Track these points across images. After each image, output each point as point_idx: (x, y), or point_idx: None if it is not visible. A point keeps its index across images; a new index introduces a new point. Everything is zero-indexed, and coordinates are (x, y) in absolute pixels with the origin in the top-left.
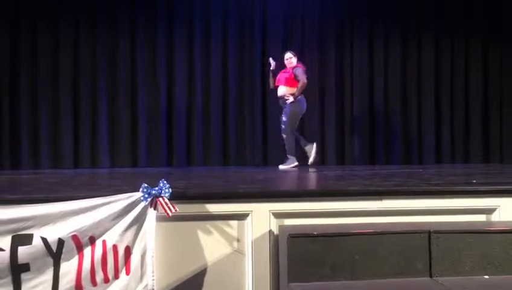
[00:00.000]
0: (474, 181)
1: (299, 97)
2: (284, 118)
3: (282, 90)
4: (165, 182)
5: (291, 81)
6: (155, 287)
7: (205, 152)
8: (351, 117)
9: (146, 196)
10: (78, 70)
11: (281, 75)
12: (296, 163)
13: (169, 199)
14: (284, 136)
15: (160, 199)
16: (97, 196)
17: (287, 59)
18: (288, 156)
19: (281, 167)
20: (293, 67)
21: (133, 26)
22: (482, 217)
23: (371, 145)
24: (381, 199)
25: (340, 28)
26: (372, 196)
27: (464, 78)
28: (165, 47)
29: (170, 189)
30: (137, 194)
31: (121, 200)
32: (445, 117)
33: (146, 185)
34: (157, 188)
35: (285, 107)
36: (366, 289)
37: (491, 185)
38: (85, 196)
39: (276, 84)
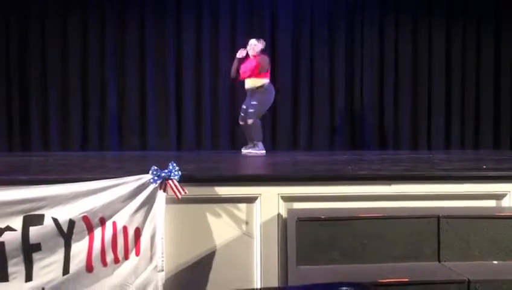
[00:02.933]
0: (484, 167)
1: (269, 87)
2: (254, 102)
3: (250, 83)
4: (174, 164)
5: (257, 72)
6: (164, 268)
7: (214, 136)
8: (360, 102)
9: (156, 178)
10: (87, 54)
11: (246, 66)
12: (264, 151)
13: (178, 182)
14: (250, 121)
15: (170, 181)
16: (107, 178)
17: (251, 45)
18: (255, 142)
19: (244, 151)
20: (256, 56)
21: (142, 11)
22: (491, 203)
23: (380, 130)
24: (390, 184)
25: (351, 14)
26: (381, 181)
27: (475, 63)
28: (173, 31)
29: (179, 171)
30: (147, 176)
31: (131, 182)
32: (455, 103)
33: (156, 167)
34: (166, 171)
35: (255, 94)
36: (375, 273)
37: (501, 170)
38: (95, 177)
39: (243, 76)
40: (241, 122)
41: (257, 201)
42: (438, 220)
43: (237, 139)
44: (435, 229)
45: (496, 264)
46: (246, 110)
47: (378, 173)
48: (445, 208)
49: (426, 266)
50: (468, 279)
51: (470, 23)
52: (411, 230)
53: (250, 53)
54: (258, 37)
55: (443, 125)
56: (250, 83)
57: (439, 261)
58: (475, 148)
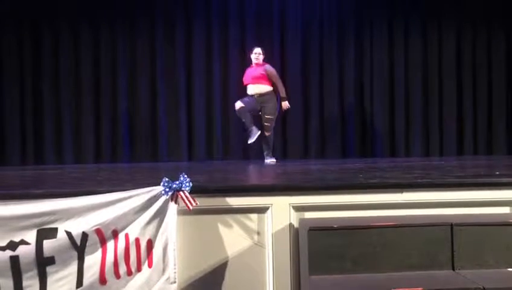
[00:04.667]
0: (497, 173)
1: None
2: (269, 116)
3: (261, 88)
4: (185, 176)
5: (266, 79)
6: (177, 280)
7: (225, 146)
8: (370, 108)
9: (167, 189)
10: (98, 67)
11: (252, 72)
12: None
13: (189, 193)
14: (269, 133)
15: (181, 192)
16: (119, 190)
17: (256, 54)
18: (269, 151)
19: (269, 161)
20: (263, 65)
21: (152, 24)
22: (505, 209)
23: (391, 137)
24: (402, 192)
25: (360, 19)
26: (393, 189)
27: (487, 68)
28: (183, 43)
29: (191, 183)
30: (159, 188)
31: (142, 194)
32: (467, 108)
33: (167, 179)
34: (177, 182)
35: (264, 104)
36: (388, 282)
37: None
38: (108, 190)
39: (248, 82)
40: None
41: (268, 211)
42: (451, 228)
43: (248, 149)
44: (449, 237)
45: (511, 271)
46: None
47: (389, 181)
48: (458, 216)
49: (440, 274)
50: (483, 287)
51: (481, 26)
52: (424, 238)
53: (256, 61)
54: (259, 45)
55: (455, 131)
56: (260, 89)
57: (454, 269)
58: (488, 154)
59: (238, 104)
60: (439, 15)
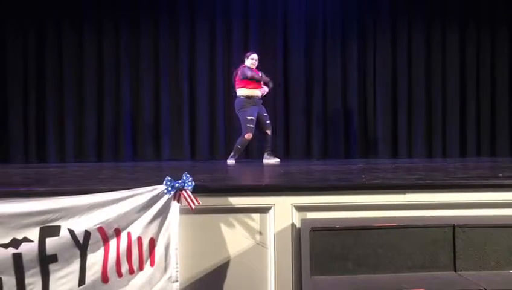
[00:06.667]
0: (500, 175)
1: None
2: (266, 113)
3: (263, 91)
4: (188, 175)
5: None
6: (179, 279)
7: (227, 146)
8: (373, 109)
9: (169, 188)
10: (102, 66)
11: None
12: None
13: (192, 192)
14: (270, 130)
15: (184, 191)
16: (122, 189)
17: (254, 60)
18: (270, 150)
19: (272, 161)
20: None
21: (155, 25)
22: (508, 211)
23: (393, 138)
24: (404, 193)
25: (363, 22)
26: (395, 190)
27: (490, 70)
28: (187, 42)
29: (193, 182)
30: (161, 187)
31: (145, 193)
32: (470, 110)
33: (169, 178)
34: (180, 181)
35: (262, 105)
36: (390, 283)
37: None
38: (110, 188)
39: (257, 86)
40: (249, 136)
41: (271, 211)
42: (453, 229)
43: (251, 149)
44: (451, 239)
45: None
46: (264, 121)
47: (392, 182)
48: (460, 217)
49: (442, 275)
50: (485, 289)
51: (484, 29)
52: (426, 239)
53: (253, 67)
54: (254, 51)
55: (458, 133)
56: (262, 92)
57: (456, 271)
58: (491, 156)
59: (250, 136)
60: (442, 15)
